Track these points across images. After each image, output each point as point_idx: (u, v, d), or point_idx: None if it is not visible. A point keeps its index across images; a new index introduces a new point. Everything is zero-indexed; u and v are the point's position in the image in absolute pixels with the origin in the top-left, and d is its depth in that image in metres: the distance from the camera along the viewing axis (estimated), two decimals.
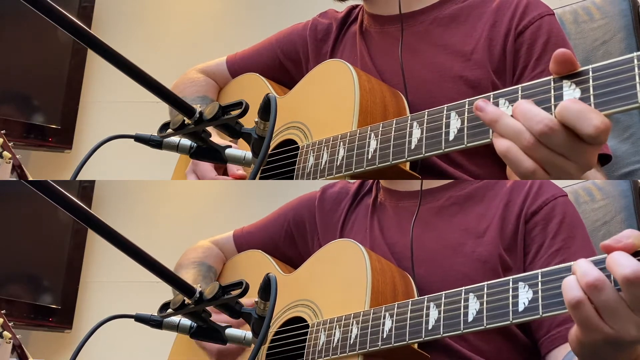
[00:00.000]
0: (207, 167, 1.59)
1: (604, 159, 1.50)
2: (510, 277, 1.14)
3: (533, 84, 1.07)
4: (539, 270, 1.09)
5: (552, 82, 1.04)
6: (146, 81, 1.03)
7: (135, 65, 1.02)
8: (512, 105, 1.07)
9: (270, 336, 1.55)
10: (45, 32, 2.98)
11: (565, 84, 1.02)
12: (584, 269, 0.99)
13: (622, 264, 0.96)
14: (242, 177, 1.56)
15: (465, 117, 1.17)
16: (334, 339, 1.40)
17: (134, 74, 1.02)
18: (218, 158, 1.15)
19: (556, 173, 1.03)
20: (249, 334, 1.14)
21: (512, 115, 1.05)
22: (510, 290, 1.13)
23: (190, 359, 1.61)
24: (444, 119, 1.21)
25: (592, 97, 0.99)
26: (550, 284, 1.06)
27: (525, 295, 1.10)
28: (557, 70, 1.03)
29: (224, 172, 1.60)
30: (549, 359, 1.39)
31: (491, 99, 1.13)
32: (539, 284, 1.08)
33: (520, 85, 1.09)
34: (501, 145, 1.05)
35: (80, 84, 3.11)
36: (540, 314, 1.07)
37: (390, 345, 1.31)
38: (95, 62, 3.11)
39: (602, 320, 0.98)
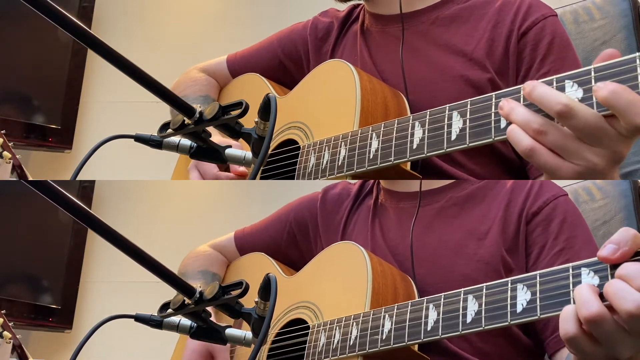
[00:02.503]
0: (209, 163, 1.59)
1: None
2: (509, 278, 1.14)
3: None
4: (537, 272, 1.09)
5: (554, 82, 1.04)
6: (146, 81, 1.03)
7: (135, 65, 1.02)
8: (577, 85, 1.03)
9: (271, 338, 1.55)
10: (45, 32, 2.98)
11: (568, 83, 1.02)
12: (583, 298, 0.95)
13: (624, 297, 0.91)
14: (243, 174, 1.56)
15: (468, 117, 1.17)
16: (333, 340, 1.40)
17: (134, 74, 1.02)
18: (218, 158, 1.15)
19: (579, 160, 1.00)
20: (249, 334, 1.14)
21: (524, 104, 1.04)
22: (509, 291, 1.12)
23: None
24: (446, 119, 1.21)
25: (594, 97, 0.99)
26: (548, 285, 1.06)
27: (523, 297, 1.09)
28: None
29: (227, 169, 1.60)
30: (556, 359, 1.39)
31: (493, 99, 1.13)
32: (537, 284, 1.08)
33: (522, 86, 1.08)
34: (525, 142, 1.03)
35: (80, 84, 3.11)
36: (538, 315, 1.07)
37: (390, 346, 1.31)
38: (95, 62, 3.11)
39: (600, 346, 0.95)
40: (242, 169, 1.55)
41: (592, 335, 0.95)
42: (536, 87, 1.02)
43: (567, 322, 0.96)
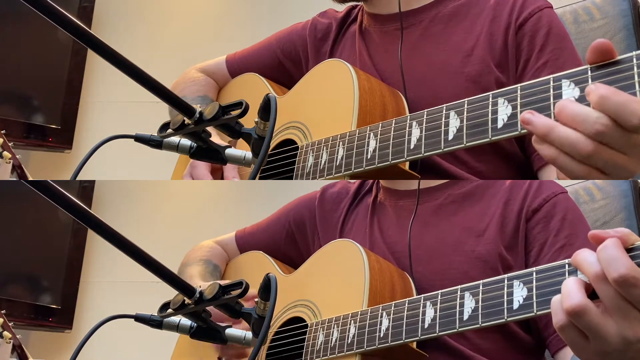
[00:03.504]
0: (202, 171, 1.59)
1: None
2: (505, 275, 1.14)
3: (532, 84, 1.07)
4: (534, 268, 1.09)
5: (551, 82, 1.04)
6: (146, 81, 1.03)
7: (135, 65, 1.02)
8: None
9: (269, 336, 1.55)
10: (45, 32, 2.98)
11: (565, 83, 1.02)
12: (567, 290, 0.95)
13: (615, 263, 0.91)
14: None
15: (465, 116, 1.17)
16: (332, 339, 1.40)
17: (134, 74, 1.02)
18: (218, 158, 1.15)
19: (617, 172, 0.97)
20: (249, 334, 1.14)
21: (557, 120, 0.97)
22: (505, 288, 1.13)
23: (196, 349, 1.61)
24: (443, 118, 1.22)
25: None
26: (544, 281, 1.06)
27: (520, 293, 1.10)
28: (594, 60, 0.98)
29: (221, 179, 1.60)
30: (559, 358, 1.39)
31: (490, 99, 1.13)
32: (534, 281, 1.08)
33: (519, 85, 1.09)
34: (548, 153, 0.98)
35: (80, 84, 3.11)
36: (535, 311, 1.07)
37: (387, 344, 1.31)
38: (95, 62, 3.11)
39: (589, 340, 0.95)
40: (236, 181, 1.56)
41: (579, 328, 0.95)
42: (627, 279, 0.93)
43: (555, 313, 0.97)
